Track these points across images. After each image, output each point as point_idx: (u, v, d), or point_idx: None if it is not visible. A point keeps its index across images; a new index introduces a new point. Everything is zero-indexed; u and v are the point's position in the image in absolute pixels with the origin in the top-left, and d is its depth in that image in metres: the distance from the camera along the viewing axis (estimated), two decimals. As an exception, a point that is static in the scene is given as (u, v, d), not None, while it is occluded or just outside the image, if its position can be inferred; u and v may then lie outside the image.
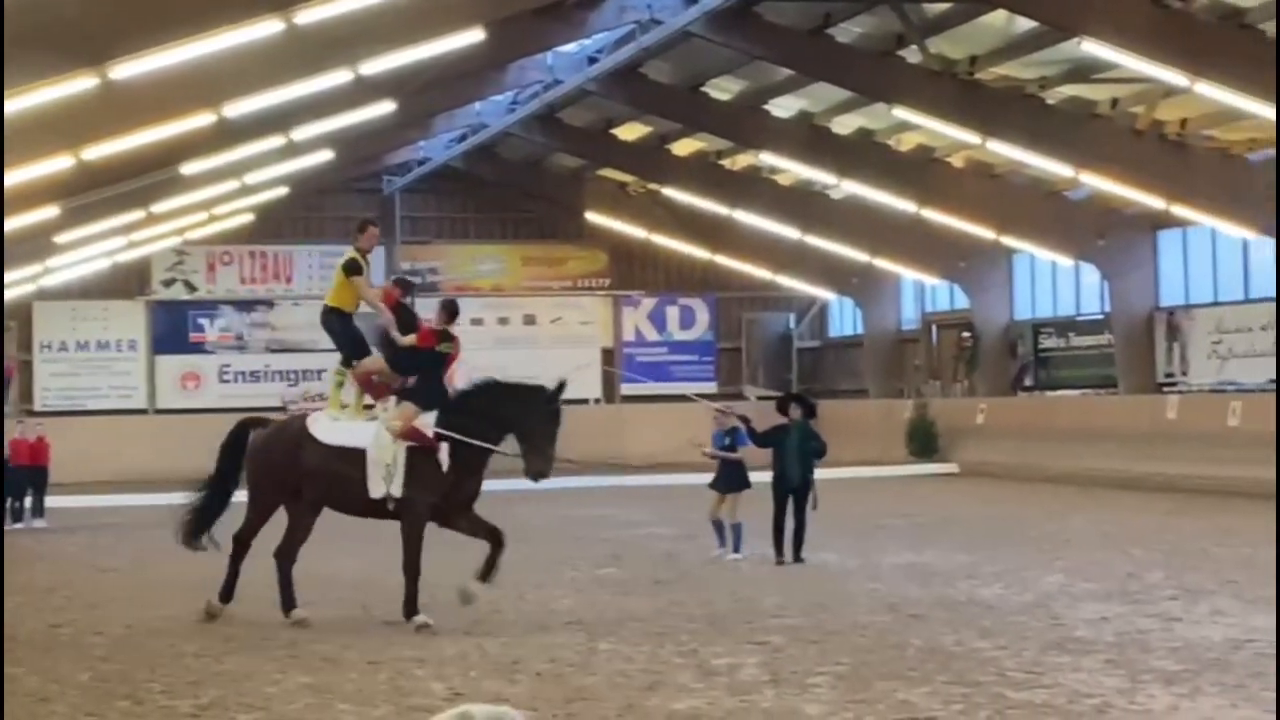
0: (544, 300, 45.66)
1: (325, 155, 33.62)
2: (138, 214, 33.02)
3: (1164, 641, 12.58)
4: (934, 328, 43.05)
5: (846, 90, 30.95)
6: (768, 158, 36.65)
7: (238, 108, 22.75)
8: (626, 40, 29.98)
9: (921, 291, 43.53)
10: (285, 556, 14.82)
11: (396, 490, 14.47)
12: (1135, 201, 32.41)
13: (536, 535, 23.58)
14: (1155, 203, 31.48)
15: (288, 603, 14.61)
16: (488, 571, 14.58)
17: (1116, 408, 33.71)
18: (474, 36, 23.81)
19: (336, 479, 14.53)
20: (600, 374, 45.51)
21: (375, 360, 15.49)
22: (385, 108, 28.60)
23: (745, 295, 47.26)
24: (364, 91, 26.24)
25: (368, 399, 15.61)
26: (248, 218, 41.75)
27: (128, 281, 43.64)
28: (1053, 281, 38.41)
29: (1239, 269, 32.88)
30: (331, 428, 14.83)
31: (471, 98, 35.37)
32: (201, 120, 22.88)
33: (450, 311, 16.02)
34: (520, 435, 15.10)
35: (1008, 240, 36.57)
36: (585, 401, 45.36)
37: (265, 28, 18.10)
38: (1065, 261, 36.70)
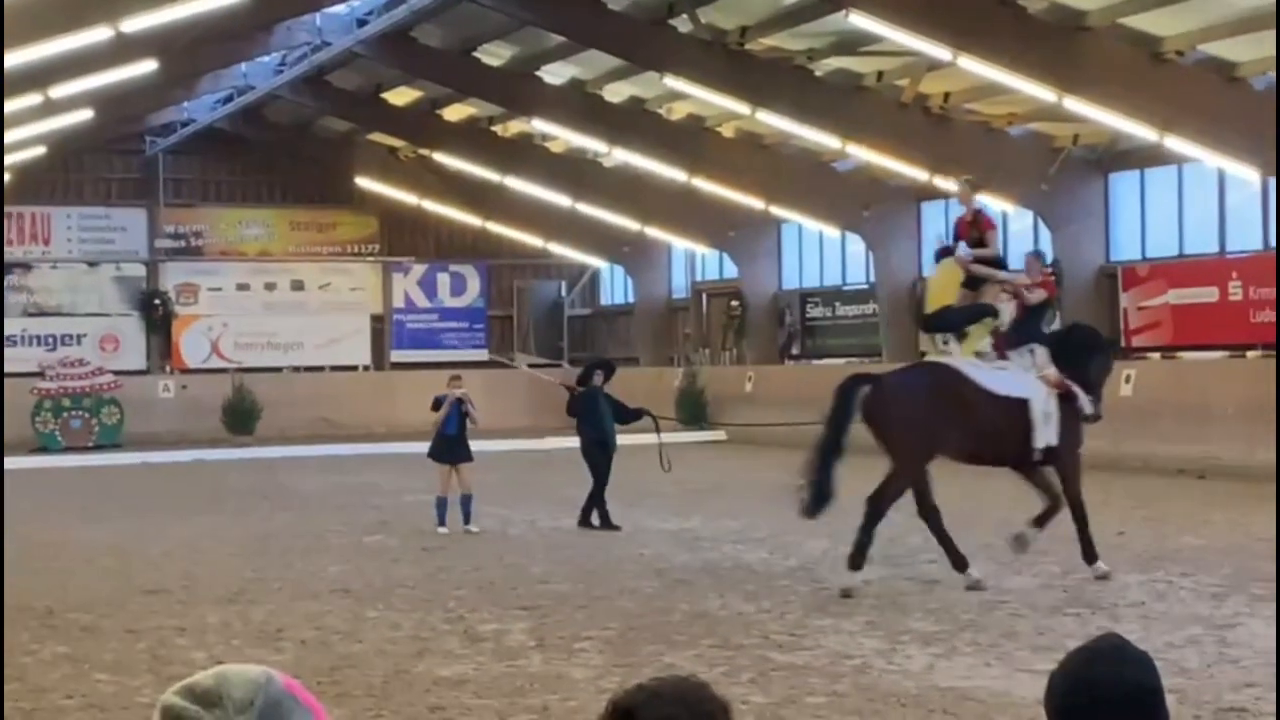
0: (312, 266, 45.00)
1: (85, 114, 32.66)
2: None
3: (922, 603, 12.87)
4: (704, 296, 43.44)
5: (618, 58, 30.98)
6: (539, 124, 36.55)
7: (-9, 63, 21.99)
8: (397, 3, 29.61)
9: (691, 260, 43.88)
10: (933, 512, 14.12)
11: (1054, 439, 14.26)
12: (900, 173, 33.02)
13: (304, 502, 23.32)
14: (919, 175, 32.11)
15: (959, 562, 13.84)
16: (1043, 522, 14.45)
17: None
18: (239, -5, 23.33)
19: (1000, 429, 14.23)
20: (369, 339, 45.11)
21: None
22: (147, 66, 27.87)
23: (517, 263, 47.16)
24: (125, 49, 25.55)
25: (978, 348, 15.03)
26: (4, 178, 40.39)
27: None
28: (820, 251, 38.98)
29: (998, 240, 33.68)
30: (997, 378, 14.44)
31: (238, 58, 34.67)
32: (-48, 75, 22.09)
33: (1043, 261, 16.41)
34: (1088, 381, 14.81)
35: (776, 210, 37.01)
36: (355, 368, 44.93)
37: (20, -20, 17.52)
38: (832, 232, 37.27)
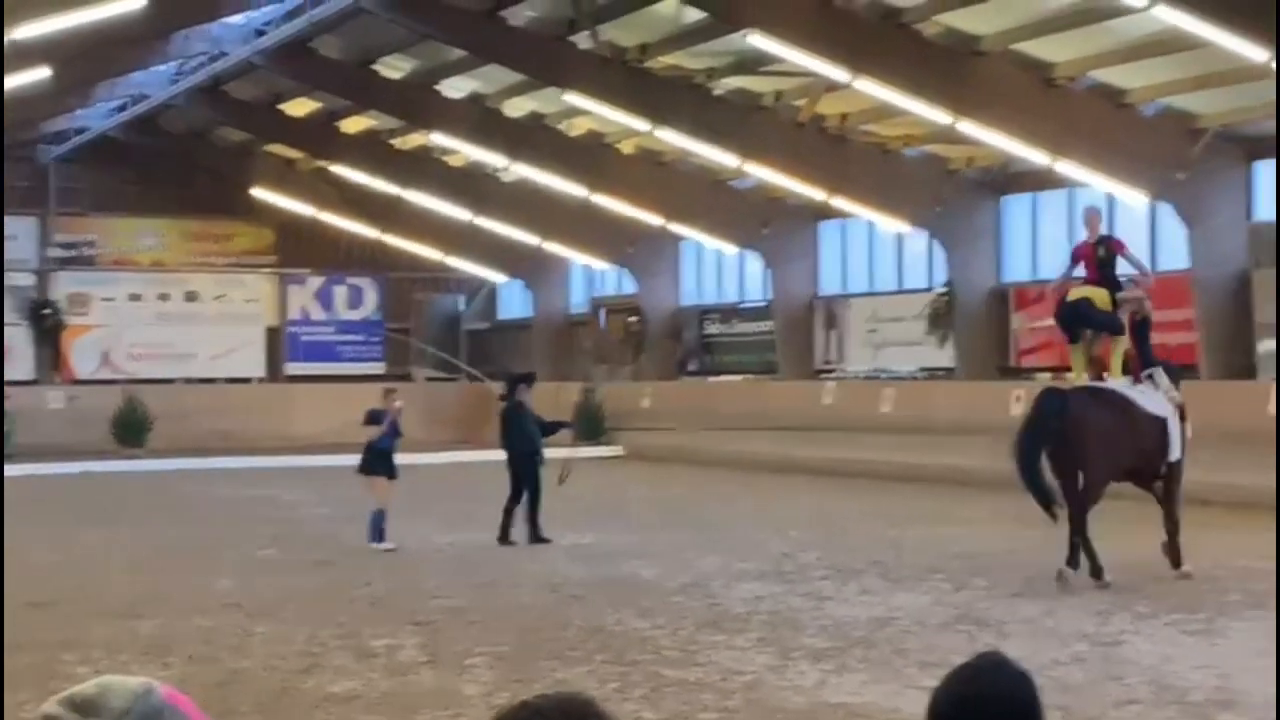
0: (207, 277, 44.61)
1: (-25, 120, 32.21)
2: None
3: (814, 619, 12.96)
4: (602, 312, 43.48)
5: (518, 73, 31.00)
6: (439, 138, 36.48)
7: (-120, 67, 21.67)
8: (296, 14, 29.48)
9: (591, 276, 43.94)
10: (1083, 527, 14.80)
11: (1178, 455, 15.40)
12: (797, 192, 33.26)
13: (195, 516, 23.09)
14: (816, 194, 32.35)
15: (1097, 570, 14.64)
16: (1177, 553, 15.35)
17: (777, 393, 34.56)
18: (135, 4, 23.15)
19: (1153, 448, 15.30)
20: (264, 351, 44.79)
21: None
22: (41, 74, 27.56)
23: (415, 276, 46.98)
24: (18, 56, 25.27)
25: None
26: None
27: None
28: (718, 269, 39.18)
29: (894, 260, 34.05)
30: (1146, 398, 15.38)
31: (133, 67, 34.34)
32: None
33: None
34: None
35: (675, 227, 37.14)
36: (249, 380, 44.57)
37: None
38: (730, 249, 37.45)
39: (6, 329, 42.05)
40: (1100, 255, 16.08)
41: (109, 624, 13.06)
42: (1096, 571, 14.62)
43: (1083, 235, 16.79)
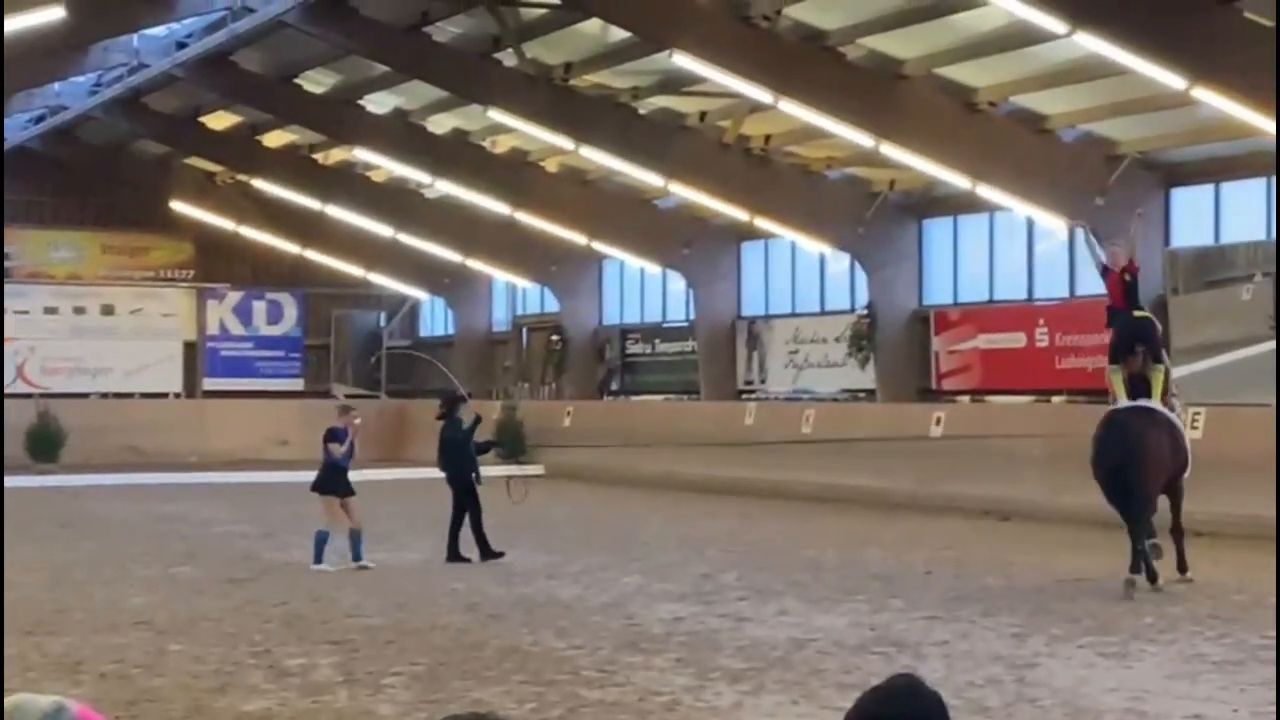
0: (124, 290, 44.14)
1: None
2: None
3: (733, 640, 12.94)
4: (524, 330, 43.40)
5: (442, 90, 30.92)
6: (362, 153, 36.32)
7: None
8: (217, 27, 29.29)
9: (513, 294, 43.84)
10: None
11: (1188, 471, 16.58)
12: (721, 213, 33.33)
13: (109, 532, 22.83)
14: (740, 215, 32.43)
15: (1153, 574, 15.72)
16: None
17: (698, 413, 34.59)
18: (54, 14, 22.91)
19: (1183, 464, 16.42)
20: (181, 367, 44.39)
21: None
22: (-43, 82, 27.23)
23: (335, 292, 46.71)
24: (-67, 64, 24.96)
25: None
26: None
27: None
28: (641, 288, 39.18)
29: (816, 281, 34.17)
30: (1178, 419, 16.76)
31: (51, 77, 33.99)
32: None
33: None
34: None
35: (598, 246, 37.12)
36: (166, 395, 44.15)
37: None
38: (653, 269, 37.48)
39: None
40: (1126, 281, 17.07)
41: (19, 641, 12.85)
42: (1153, 577, 15.71)
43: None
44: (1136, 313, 16.99)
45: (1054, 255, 28.79)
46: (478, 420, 19.74)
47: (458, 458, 19.01)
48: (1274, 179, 23.98)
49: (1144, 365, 16.63)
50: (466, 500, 18.87)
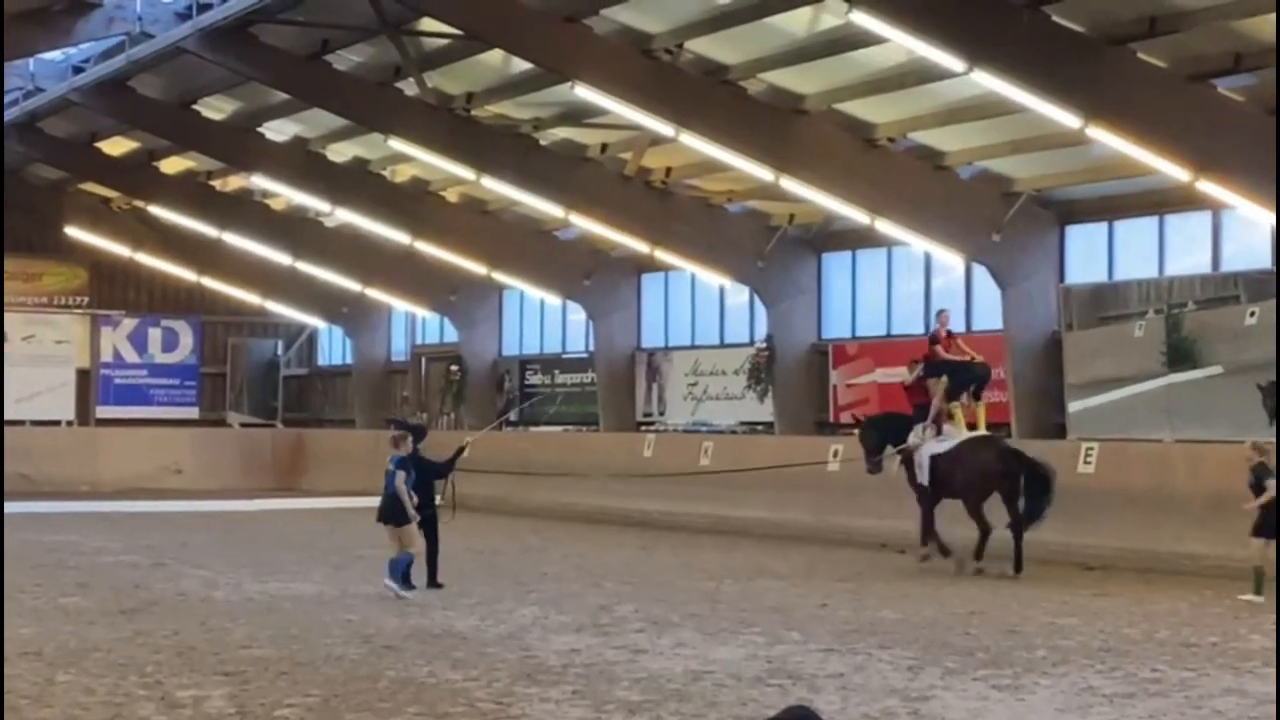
0: (16, 316, 43.46)
1: None
2: None
3: (629, 672, 12.92)
4: (423, 359, 43.23)
5: (343, 118, 30.79)
6: (260, 181, 36.08)
7: None
8: (115, 52, 29.01)
9: (412, 323, 43.68)
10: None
11: None
12: (621, 244, 33.40)
13: (-3, 562, 22.43)
14: (640, 246, 32.51)
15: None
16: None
17: (597, 444, 34.55)
18: (-52, 34, 22.60)
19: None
20: (74, 394, 43.81)
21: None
22: None
23: (233, 319, 46.33)
24: None
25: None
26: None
27: None
28: (540, 319, 39.15)
29: (715, 314, 34.30)
30: None
31: (-55, 99, 33.52)
32: None
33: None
34: None
35: (499, 276, 37.08)
36: (58, 423, 43.53)
37: None
38: (554, 299, 37.47)
39: None
40: (949, 345, 22.50)
41: (-99, 673, 12.60)
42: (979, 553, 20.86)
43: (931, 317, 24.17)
44: (961, 359, 22.35)
45: (951, 290, 29.07)
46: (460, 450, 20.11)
47: (419, 487, 18.96)
48: (1168, 219, 24.38)
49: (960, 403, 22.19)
50: (429, 530, 19.06)
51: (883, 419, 23.33)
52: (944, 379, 21.96)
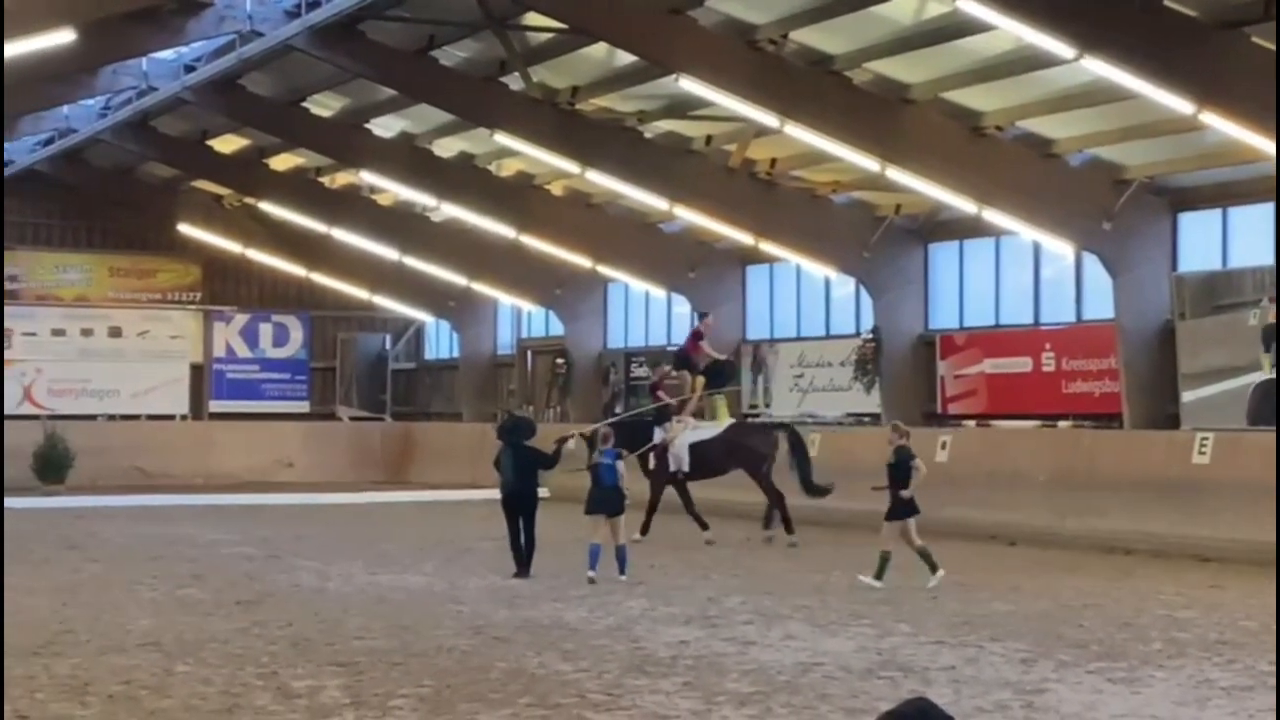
0: (131, 312, 44.19)
1: (-103, 151, 31.86)
2: None
3: (739, 664, 12.93)
4: (529, 353, 43.40)
5: (449, 113, 30.97)
6: (368, 177, 36.38)
7: None
8: (225, 50, 29.35)
9: (518, 317, 43.86)
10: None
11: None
12: (726, 236, 33.35)
13: (115, 553, 22.83)
14: (745, 238, 32.45)
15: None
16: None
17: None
18: (64, 37, 23.00)
19: None
20: (188, 389, 44.42)
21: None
22: (-35, 105, 27.31)
23: (341, 314, 46.77)
24: (-58, 86, 25.03)
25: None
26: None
27: None
28: (645, 311, 39.19)
29: (821, 305, 34.17)
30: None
31: (60, 100, 34.07)
32: None
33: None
34: None
35: (603, 269, 37.16)
36: (172, 417, 44.17)
37: None
38: (658, 292, 37.49)
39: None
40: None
41: (26, 662, 12.86)
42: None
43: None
44: (718, 360, 26.70)
45: (1060, 279, 28.79)
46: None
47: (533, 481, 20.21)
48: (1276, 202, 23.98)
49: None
50: (526, 520, 19.78)
51: (618, 423, 24.77)
52: (700, 377, 25.60)
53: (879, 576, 18.09)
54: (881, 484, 18.52)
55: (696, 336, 26.88)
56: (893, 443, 18.74)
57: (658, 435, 24.81)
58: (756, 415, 34.88)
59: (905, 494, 18.29)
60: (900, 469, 18.39)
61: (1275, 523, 20.06)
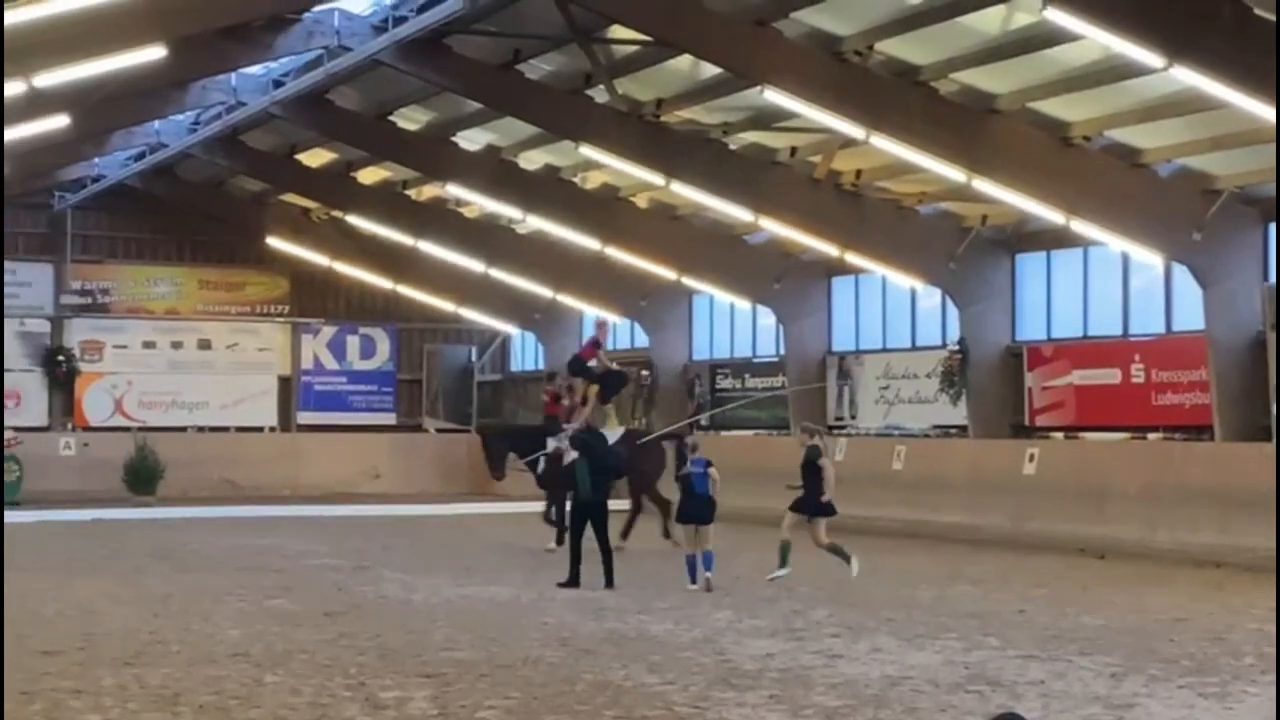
0: (221, 325, 44.66)
1: (-7, 168, 32.29)
2: None
3: (825, 678, 12.89)
4: (613, 365, 43.36)
5: (534, 126, 31.08)
6: (454, 189, 36.57)
7: (-100, 113, 21.77)
8: (313, 65, 29.59)
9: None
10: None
11: None
12: (811, 248, 33.27)
13: (205, 564, 23.06)
14: (830, 250, 32.36)
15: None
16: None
17: (788, 448, 34.31)
18: (155, 53, 23.26)
19: None
20: (276, 401, 44.81)
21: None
22: (59, 122, 27.69)
23: (427, 326, 47.03)
24: (37, 104, 25.39)
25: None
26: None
27: None
28: (730, 323, 39.15)
29: (907, 317, 34.00)
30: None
31: (151, 116, 34.45)
32: None
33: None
34: None
35: (688, 281, 37.14)
36: (261, 429, 44.57)
37: (-68, 31, 17.38)
38: (743, 304, 37.45)
39: (21, 374, 42.08)
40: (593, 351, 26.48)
41: (118, 672, 13.02)
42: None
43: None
44: (613, 369, 26.73)
45: (1150, 290, 28.51)
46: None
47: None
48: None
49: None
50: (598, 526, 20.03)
51: (505, 431, 27.66)
52: (596, 385, 25.74)
53: (783, 565, 19.52)
54: (796, 483, 19.74)
55: (594, 344, 27.04)
56: (804, 443, 19.93)
57: (550, 444, 25.25)
58: (843, 428, 34.81)
59: (825, 499, 19.51)
60: (809, 468, 19.53)
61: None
